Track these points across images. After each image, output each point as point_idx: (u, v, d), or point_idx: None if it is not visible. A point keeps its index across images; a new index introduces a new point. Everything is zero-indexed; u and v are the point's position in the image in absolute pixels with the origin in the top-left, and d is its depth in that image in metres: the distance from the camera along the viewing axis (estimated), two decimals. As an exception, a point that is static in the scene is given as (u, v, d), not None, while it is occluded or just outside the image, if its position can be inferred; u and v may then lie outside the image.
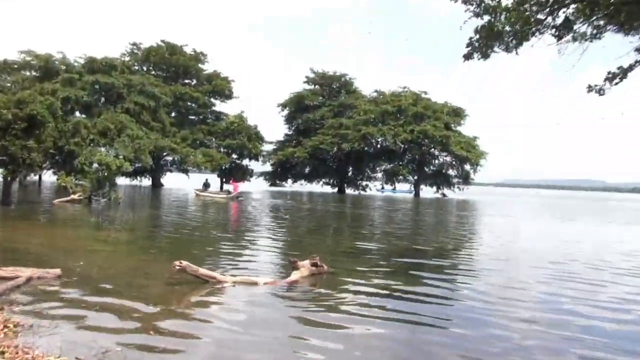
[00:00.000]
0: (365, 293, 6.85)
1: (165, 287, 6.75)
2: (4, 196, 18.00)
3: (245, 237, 12.84)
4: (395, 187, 55.98)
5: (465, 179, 53.33)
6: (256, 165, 52.76)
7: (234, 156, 49.23)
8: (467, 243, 13.72)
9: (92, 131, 34.50)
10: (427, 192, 54.38)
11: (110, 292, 6.24)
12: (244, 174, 49.71)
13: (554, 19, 8.81)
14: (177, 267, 6.86)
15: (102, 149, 32.48)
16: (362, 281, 7.61)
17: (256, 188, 51.11)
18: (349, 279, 7.71)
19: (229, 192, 34.24)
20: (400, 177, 52.95)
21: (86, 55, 40.77)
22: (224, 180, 47.90)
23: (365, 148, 51.78)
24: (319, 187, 58.41)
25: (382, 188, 61.04)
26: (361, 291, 6.95)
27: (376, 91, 55.62)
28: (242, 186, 46.56)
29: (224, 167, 47.90)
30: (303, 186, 58.32)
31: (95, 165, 23.49)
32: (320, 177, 56.72)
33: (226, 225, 16.53)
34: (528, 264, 10.18)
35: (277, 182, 57.02)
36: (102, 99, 40.54)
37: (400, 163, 52.41)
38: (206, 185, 36.81)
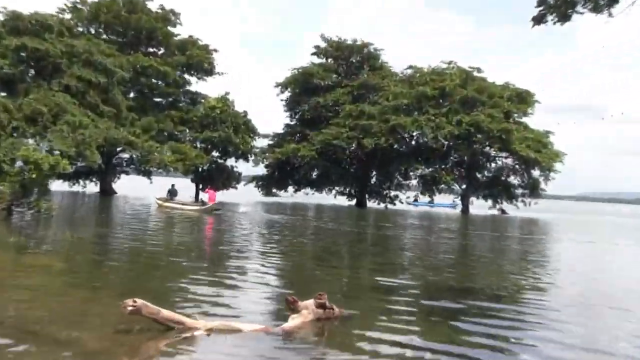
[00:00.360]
0: (387, 354, 6.79)
1: (110, 338, 6.74)
2: None
3: (226, 267, 12.94)
4: (433, 200, 55.94)
5: (533, 190, 53.18)
6: (245, 167, 53.25)
7: (215, 154, 49.73)
8: (533, 281, 13.59)
9: (16, 116, 34.85)
10: (479, 206, 54.25)
11: (26, 351, 6.15)
12: (228, 179, 50.08)
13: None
14: (130, 308, 6.84)
15: (30, 141, 32.76)
16: (385, 333, 7.60)
17: (245, 198, 51.20)
18: (368, 330, 7.73)
19: (203, 202, 34.61)
20: (443, 185, 52.92)
21: (7, 10, 40.92)
22: (201, 187, 48.06)
23: (395, 145, 51.94)
24: (331, 198, 58.67)
25: (416, 201, 60.98)
26: (382, 352, 6.87)
27: (411, 67, 55.81)
28: (225, 195, 46.76)
29: (200, 169, 48.20)
30: (309, 196, 58.62)
31: (19, 163, 23.64)
32: (332, 184, 57.08)
33: (199, 250, 16.69)
34: (622, 315, 10.04)
35: (274, 190, 57.21)
36: (31, 72, 40.96)
37: (443, 166, 52.42)
38: (172, 192, 37.04)
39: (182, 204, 34.15)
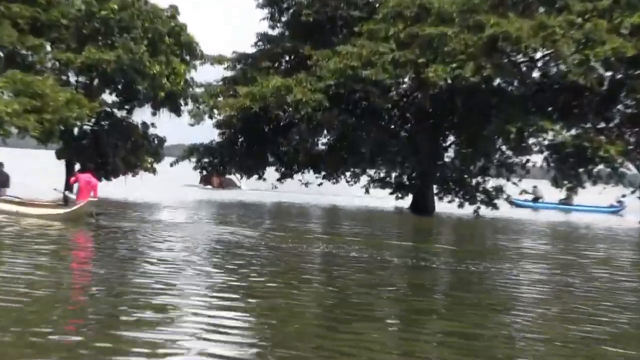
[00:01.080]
0: None
1: None
2: None
3: (126, 341, 12.70)
4: (572, 198, 57.95)
5: None
6: (176, 128, 54.79)
7: (110, 99, 50.55)
8: None
9: None
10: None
11: None
12: (135, 153, 50.25)
13: None
14: None
15: None
16: None
17: (172, 192, 51.37)
18: None
19: (67, 200, 35.87)
20: (600, 166, 52.40)
21: None
22: (78, 167, 48.21)
23: (497, 81, 51.96)
24: (358, 193, 60.37)
25: (536, 200, 62.13)
26: None
27: None
28: (129, 187, 46.93)
29: (77, 131, 48.81)
30: (310, 189, 60.97)
31: None
32: (361, 164, 58.38)
33: (64, 306, 16.17)
34: None
35: (234, 175, 57.86)
36: None
37: (601, 126, 52.08)
38: None
39: (21, 204, 34.88)
